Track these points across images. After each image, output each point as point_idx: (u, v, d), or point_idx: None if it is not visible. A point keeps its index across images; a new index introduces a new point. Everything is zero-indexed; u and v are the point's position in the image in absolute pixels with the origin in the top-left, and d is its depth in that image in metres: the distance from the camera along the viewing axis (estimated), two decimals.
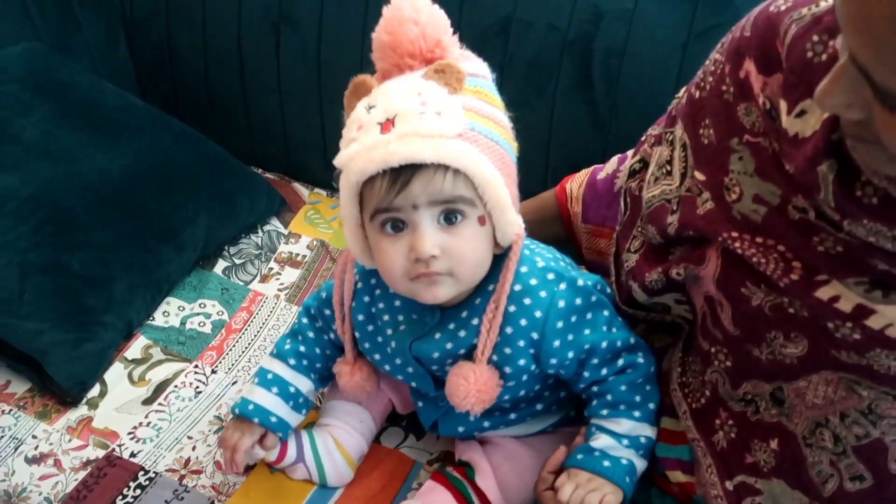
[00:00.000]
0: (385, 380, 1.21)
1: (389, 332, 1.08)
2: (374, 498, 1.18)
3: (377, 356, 1.12)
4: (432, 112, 0.91)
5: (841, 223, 0.82)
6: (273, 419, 1.14)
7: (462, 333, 1.03)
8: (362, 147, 0.91)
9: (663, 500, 1.08)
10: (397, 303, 1.07)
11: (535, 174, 1.47)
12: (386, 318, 1.09)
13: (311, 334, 1.18)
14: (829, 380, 0.89)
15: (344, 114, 1.01)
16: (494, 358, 1.02)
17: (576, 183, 1.24)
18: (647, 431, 1.05)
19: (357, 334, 1.12)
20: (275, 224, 1.58)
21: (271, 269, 1.51)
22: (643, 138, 1.13)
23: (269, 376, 1.16)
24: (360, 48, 1.52)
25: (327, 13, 1.56)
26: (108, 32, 1.72)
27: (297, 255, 1.53)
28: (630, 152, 1.17)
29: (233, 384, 1.33)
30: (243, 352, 1.38)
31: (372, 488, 1.19)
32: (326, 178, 1.65)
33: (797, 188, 0.87)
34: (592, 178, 1.22)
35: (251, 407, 1.14)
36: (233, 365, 1.36)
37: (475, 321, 1.02)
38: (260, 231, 1.57)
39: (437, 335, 1.04)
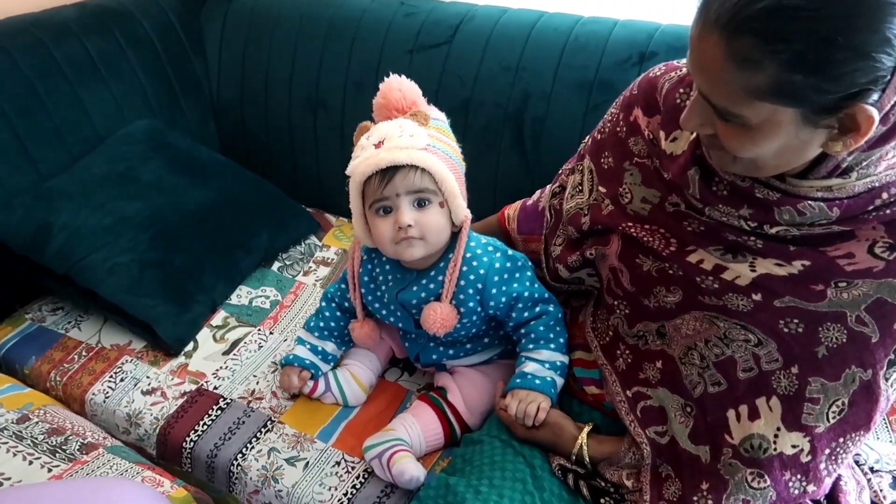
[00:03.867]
0: (385, 333, 1.19)
1: (383, 287, 1.07)
2: (381, 414, 1.15)
3: (377, 305, 1.10)
4: (407, 135, 0.94)
5: (703, 210, 0.83)
6: (307, 362, 1.13)
7: (431, 286, 1.02)
8: (363, 159, 0.94)
9: (581, 407, 1.05)
10: (387, 267, 1.07)
11: (486, 202, 1.40)
12: (381, 278, 1.08)
13: (327, 313, 1.16)
14: (697, 317, 0.87)
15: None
16: (453, 302, 1.01)
17: (511, 210, 1.22)
18: (560, 357, 1.03)
19: (363, 291, 1.10)
20: (313, 239, 1.55)
21: (310, 267, 1.48)
22: (560, 171, 1.12)
23: (304, 341, 1.16)
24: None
25: (348, 100, 1.54)
26: (201, 115, 1.69)
27: (328, 258, 1.51)
28: (547, 187, 1.15)
29: (283, 341, 1.30)
30: (291, 320, 1.35)
31: (379, 407, 1.16)
32: (347, 210, 1.63)
33: (672, 189, 0.87)
34: (523, 206, 1.20)
35: (292, 357, 1.14)
36: (283, 329, 1.33)
37: (440, 278, 1.02)
38: (303, 243, 1.53)
39: (415, 288, 1.03)
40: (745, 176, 0.77)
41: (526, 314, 1.03)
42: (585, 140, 1.07)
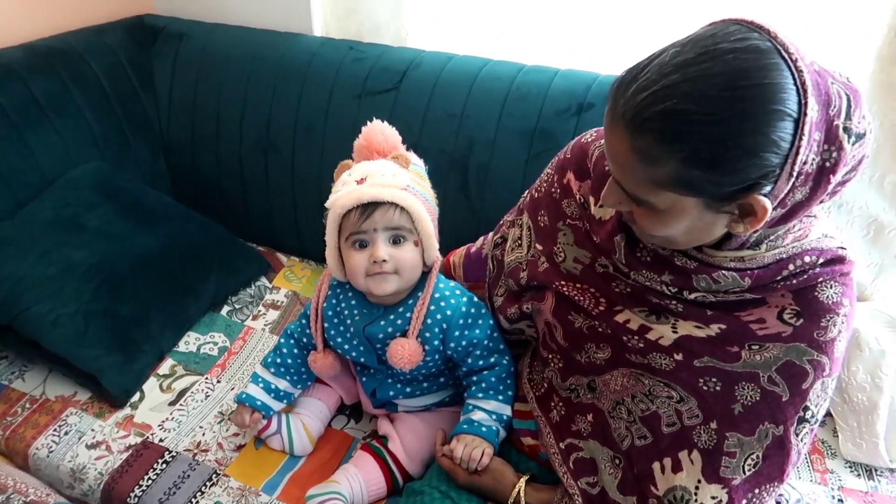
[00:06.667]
0: (335, 379, 1.20)
1: (348, 321, 1.09)
2: (327, 463, 1.16)
3: (339, 339, 1.11)
4: (390, 174, 0.98)
5: (629, 274, 0.86)
6: (258, 403, 1.13)
7: (399, 322, 1.04)
8: (345, 192, 0.97)
9: (519, 457, 1.07)
10: (353, 302, 1.08)
11: None
12: (346, 312, 1.09)
13: (285, 350, 1.16)
14: (625, 373, 0.90)
15: (332, 185, 1.05)
16: (419, 339, 1.03)
17: (456, 257, 1.24)
18: (507, 411, 1.05)
19: (326, 325, 1.11)
20: (263, 281, 1.55)
21: (260, 311, 1.48)
22: (501, 222, 1.15)
23: (259, 378, 1.15)
24: (318, 164, 1.52)
25: (298, 143, 1.54)
26: (151, 154, 1.67)
27: (278, 301, 1.50)
28: (490, 234, 1.18)
29: (231, 390, 1.29)
30: (239, 367, 1.35)
31: (324, 458, 1.17)
32: (298, 250, 1.66)
33: (601, 252, 0.90)
34: (467, 253, 1.22)
35: (244, 396, 1.14)
36: (232, 376, 1.33)
37: (408, 314, 1.04)
38: (253, 286, 1.53)
39: (382, 322, 1.05)
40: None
41: (481, 362, 1.06)
42: (525, 195, 1.10)
